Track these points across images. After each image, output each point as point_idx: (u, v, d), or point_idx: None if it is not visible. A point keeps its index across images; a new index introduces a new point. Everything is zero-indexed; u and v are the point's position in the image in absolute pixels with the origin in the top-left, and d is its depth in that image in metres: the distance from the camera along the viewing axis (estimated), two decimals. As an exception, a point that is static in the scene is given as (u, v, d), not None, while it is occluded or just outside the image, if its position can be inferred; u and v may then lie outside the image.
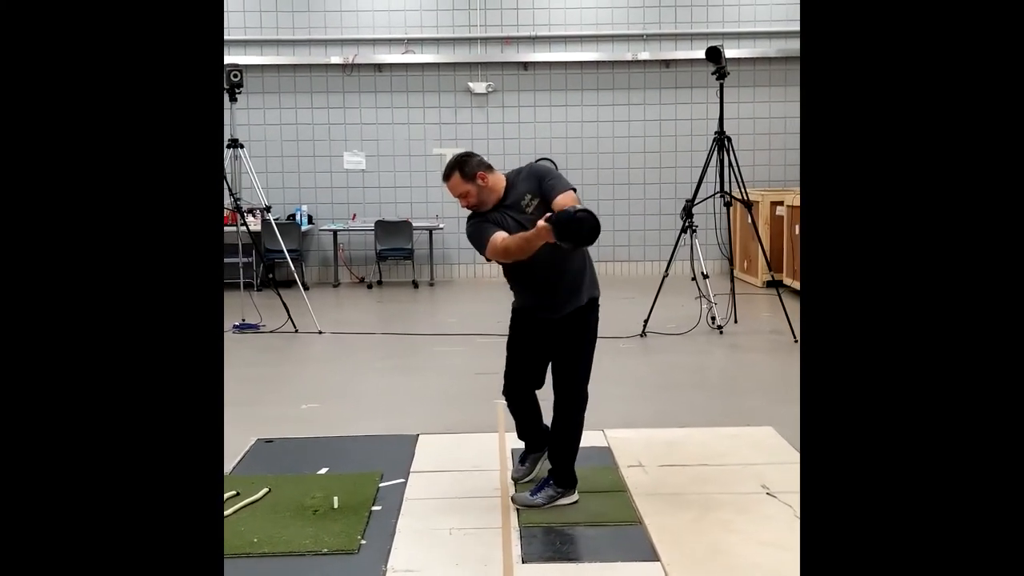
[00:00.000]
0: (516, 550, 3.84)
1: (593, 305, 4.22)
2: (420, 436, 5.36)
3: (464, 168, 4.10)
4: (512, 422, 4.58)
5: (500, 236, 3.97)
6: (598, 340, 4.28)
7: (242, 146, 9.00)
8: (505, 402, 4.52)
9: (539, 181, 4.07)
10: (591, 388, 4.26)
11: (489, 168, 4.16)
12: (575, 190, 4.05)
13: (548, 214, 3.79)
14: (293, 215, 11.92)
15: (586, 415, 4.27)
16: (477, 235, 4.09)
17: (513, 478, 4.60)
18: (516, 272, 4.18)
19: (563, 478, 4.27)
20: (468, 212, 4.22)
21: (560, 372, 4.23)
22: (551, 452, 4.36)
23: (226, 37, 11.71)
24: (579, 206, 3.78)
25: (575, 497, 4.29)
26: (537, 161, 4.31)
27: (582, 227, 3.67)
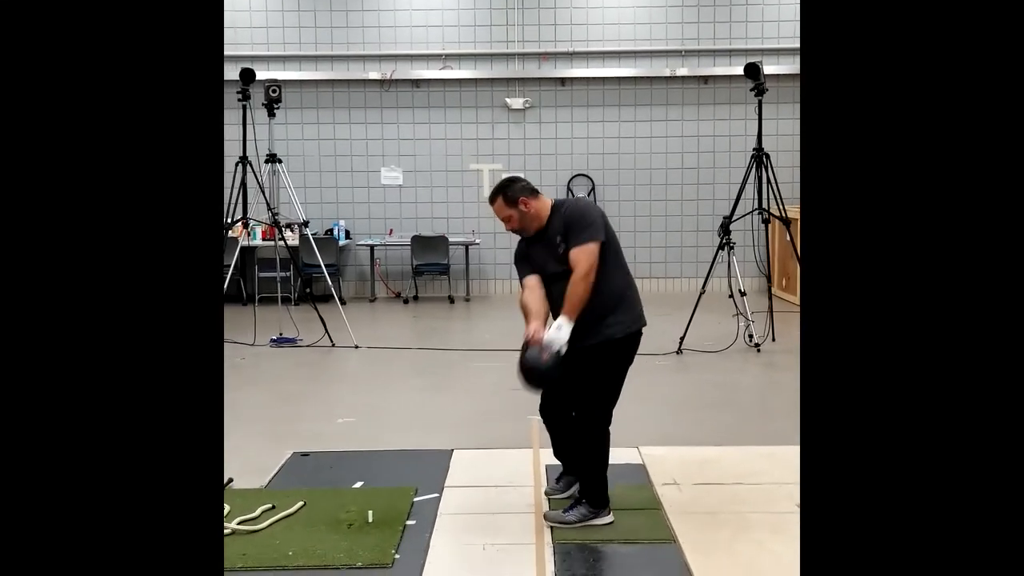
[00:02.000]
0: (549, 567, 3.84)
1: (605, 347, 4.11)
2: (454, 451, 5.37)
3: (507, 192, 4.14)
4: (547, 438, 4.57)
5: (527, 283, 4.17)
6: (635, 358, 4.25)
7: (280, 161, 9.07)
8: (540, 419, 4.51)
9: (567, 227, 4.05)
10: (623, 407, 4.25)
11: (533, 193, 4.16)
12: (600, 241, 4.01)
13: (526, 342, 4.03)
14: (330, 230, 12.00)
15: (621, 432, 4.23)
16: (517, 267, 4.30)
17: (546, 493, 4.59)
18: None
19: (594, 497, 4.24)
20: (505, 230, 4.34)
21: (574, 396, 4.21)
22: (578, 471, 4.35)
23: (265, 53, 11.86)
24: (538, 359, 3.96)
25: (610, 518, 4.25)
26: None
27: (525, 377, 4.07)
